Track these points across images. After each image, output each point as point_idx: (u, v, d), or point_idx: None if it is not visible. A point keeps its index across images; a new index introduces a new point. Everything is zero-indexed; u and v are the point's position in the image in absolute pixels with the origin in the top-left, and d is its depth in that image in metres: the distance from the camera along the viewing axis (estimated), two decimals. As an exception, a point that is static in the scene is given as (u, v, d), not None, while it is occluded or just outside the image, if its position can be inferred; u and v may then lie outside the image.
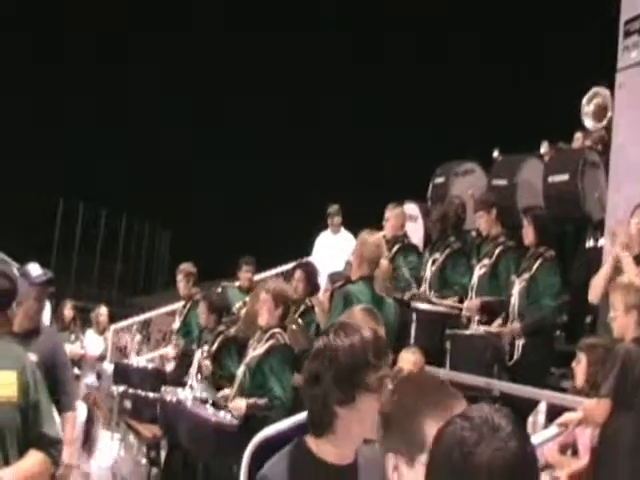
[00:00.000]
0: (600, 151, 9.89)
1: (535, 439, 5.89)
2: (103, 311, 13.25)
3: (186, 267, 11.08)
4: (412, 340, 8.55)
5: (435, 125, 15.46)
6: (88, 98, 24.02)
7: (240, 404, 7.61)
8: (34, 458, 4.14)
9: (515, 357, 8.15)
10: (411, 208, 10.98)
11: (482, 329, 8.42)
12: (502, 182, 10.35)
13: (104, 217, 25.13)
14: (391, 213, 10.18)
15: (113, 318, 13.89)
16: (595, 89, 10.20)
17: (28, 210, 22.73)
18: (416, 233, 10.77)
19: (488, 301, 8.72)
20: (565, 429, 5.76)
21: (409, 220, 10.67)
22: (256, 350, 7.88)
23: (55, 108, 23.82)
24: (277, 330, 7.82)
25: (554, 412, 6.54)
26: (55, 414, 4.67)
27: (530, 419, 6.33)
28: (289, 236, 12.20)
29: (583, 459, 6.25)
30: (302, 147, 18.82)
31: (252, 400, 7.61)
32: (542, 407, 6.34)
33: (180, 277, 11.00)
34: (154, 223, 25.36)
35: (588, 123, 10.30)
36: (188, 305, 10.91)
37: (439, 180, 11.26)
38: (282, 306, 7.78)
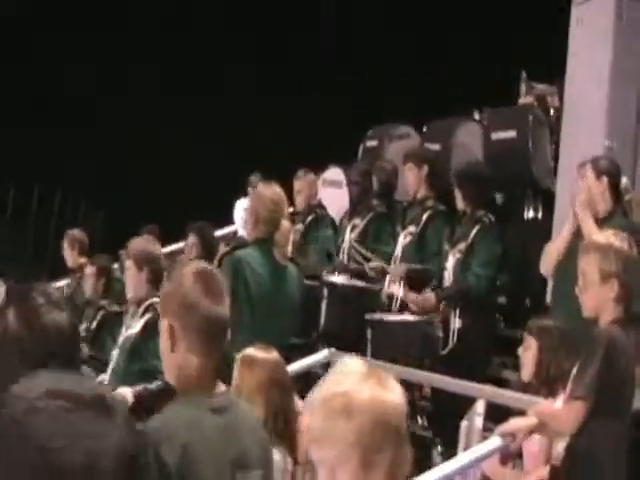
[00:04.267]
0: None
1: (472, 453, 4.09)
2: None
3: (72, 233, 9.08)
4: (322, 319, 6.75)
5: (361, 89, 13.61)
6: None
7: (125, 393, 5.74)
8: None
9: (450, 345, 6.37)
10: (335, 173, 9.14)
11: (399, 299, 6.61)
12: (435, 146, 8.59)
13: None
14: (302, 183, 8.41)
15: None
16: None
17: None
18: (340, 201, 8.93)
19: (415, 269, 6.92)
20: (512, 440, 3.95)
21: (333, 186, 8.89)
22: (130, 328, 6.02)
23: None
24: (154, 300, 5.93)
25: (498, 412, 4.76)
26: None
27: (464, 423, 4.52)
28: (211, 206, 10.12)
29: (533, 474, 4.50)
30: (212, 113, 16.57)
31: (140, 387, 5.75)
32: (479, 408, 4.53)
33: (65, 245, 9.00)
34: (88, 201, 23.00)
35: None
36: (78, 276, 8.93)
37: (371, 143, 9.48)
38: (148, 268, 5.88)
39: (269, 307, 5.58)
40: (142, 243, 6.37)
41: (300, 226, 8.25)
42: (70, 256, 8.98)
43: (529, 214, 8.29)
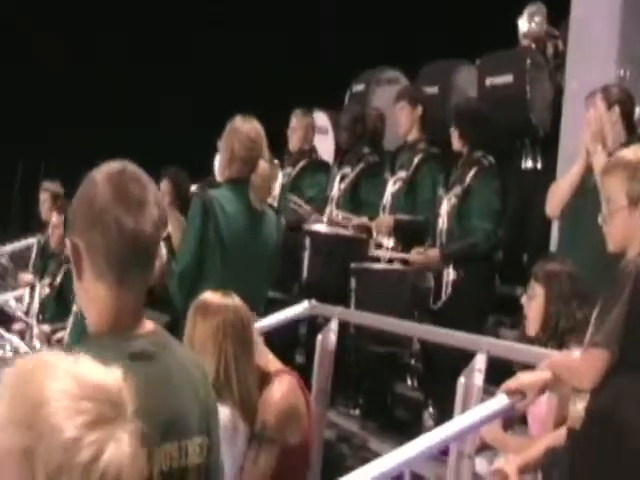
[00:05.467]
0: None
1: (472, 415, 3.36)
2: None
3: (51, 186, 8.20)
4: (305, 272, 6.01)
5: (351, 29, 12.69)
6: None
7: None
8: None
9: (443, 298, 5.64)
10: (320, 118, 8.38)
11: (394, 257, 5.86)
12: (432, 89, 7.81)
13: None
14: (299, 122, 7.55)
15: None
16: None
17: None
18: (326, 148, 8.20)
19: (404, 219, 6.18)
20: (520, 399, 3.21)
21: (319, 132, 8.09)
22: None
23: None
24: None
25: (496, 371, 4.03)
26: None
27: (461, 380, 3.78)
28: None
29: (541, 440, 3.75)
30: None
31: None
32: (479, 362, 3.77)
33: (45, 196, 8.08)
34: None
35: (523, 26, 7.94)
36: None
37: (358, 88, 8.71)
38: None
39: (242, 253, 4.85)
40: None
41: (290, 169, 7.53)
42: (47, 210, 8.13)
43: (527, 164, 7.60)
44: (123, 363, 1.89)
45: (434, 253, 5.78)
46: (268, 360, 3.82)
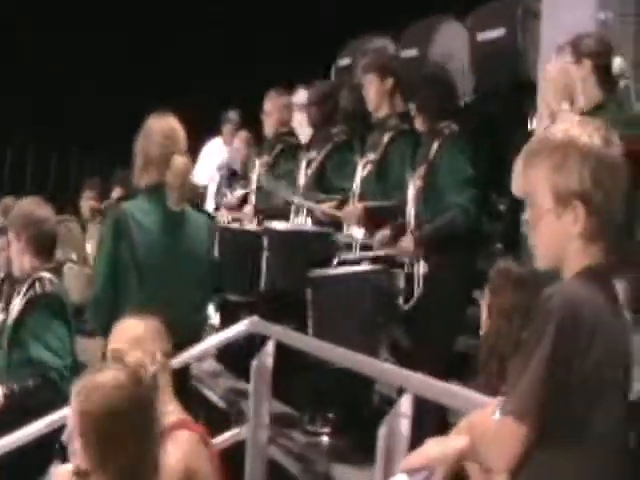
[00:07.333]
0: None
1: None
2: None
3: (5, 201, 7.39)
4: (263, 279, 5.12)
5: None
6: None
7: None
8: None
9: (416, 296, 4.68)
10: (303, 96, 7.45)
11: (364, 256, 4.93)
12: (411, 52, 6.88)
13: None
14: (273, 104, 6.78)
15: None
16: None
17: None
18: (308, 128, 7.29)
19: (373, 207, 5.22)
20: (426, 477, 2.27)
21: (300, 111, 7.18)
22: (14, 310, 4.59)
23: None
24: (41, 275, 4.44)
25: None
26: None
27: (382, 430, 2.86)
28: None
29: None
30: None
31: (13, 386, 4.35)
32: (404, 406, 2.84)
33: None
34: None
35: None
36: None
37: (343, 62, 7.78)
38: (27, 235, 4.44)
39: (163, 268, 4.23)
40: (23, 206, 4.89)
41: (266, 158, 6.72)
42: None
43: (534, 125, 6.63)
44: None
45: (407, 241, 4.82)
46: (170, 411, 3.18)
